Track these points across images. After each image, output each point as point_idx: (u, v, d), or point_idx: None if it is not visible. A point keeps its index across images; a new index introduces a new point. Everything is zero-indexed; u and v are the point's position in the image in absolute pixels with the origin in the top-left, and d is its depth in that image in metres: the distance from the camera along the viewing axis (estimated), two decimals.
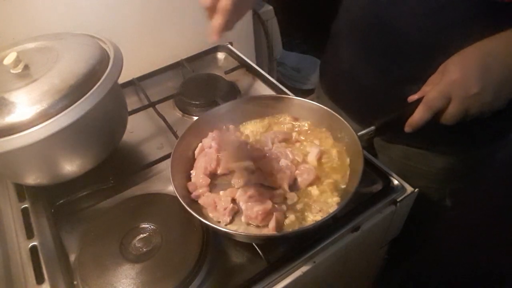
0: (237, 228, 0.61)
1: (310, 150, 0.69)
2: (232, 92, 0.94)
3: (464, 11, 0.57)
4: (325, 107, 0.71)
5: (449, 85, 0.55)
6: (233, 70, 1.02)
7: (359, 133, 0.64)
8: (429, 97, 0.57)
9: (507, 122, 0.73)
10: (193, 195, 0.64)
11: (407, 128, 0.61)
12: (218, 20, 0.52)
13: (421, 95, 0.59)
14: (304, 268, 0.60)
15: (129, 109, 0.84)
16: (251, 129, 0.76)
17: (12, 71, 0.63)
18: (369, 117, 0.66)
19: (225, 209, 0.61)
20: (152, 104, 0.91)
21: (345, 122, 0.67)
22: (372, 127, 0.65)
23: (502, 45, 0.54)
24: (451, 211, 0.88)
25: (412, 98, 0.61)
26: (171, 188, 0.62)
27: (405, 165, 0.74)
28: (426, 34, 0.62)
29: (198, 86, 0.95)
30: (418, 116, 0.58)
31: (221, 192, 0.65)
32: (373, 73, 0.72)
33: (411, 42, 0.64)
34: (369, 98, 0.75)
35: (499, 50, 0.53)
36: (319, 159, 0.68)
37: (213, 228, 0.59)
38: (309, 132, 0.74)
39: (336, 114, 0.69)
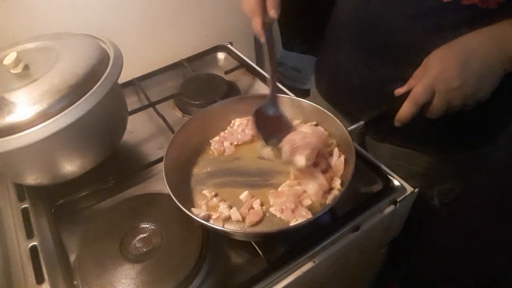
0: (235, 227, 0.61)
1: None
2: (232, 92, 0.94)
3: (451, 16, 0.59)
4: (316, 105, 0.72)
5: (432, 78, 0.56)
6: (233, 70, 1.02)
7: (349, 128, 0.66)
8: (414, 92, 0.58)
9: (496, 124, 0.74)
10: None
11: (397, 123, 0.62)
12: (256, 21, 0.58)
13: (407, 88, 0.60)
14: (304, 268, 0.60)
15: (129, 109, 0.84)
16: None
17: (12, 71, 0.63)
18: (360, 114, 0.67)
19: None
20: (152, 104, 0.91)
21: (335, 118, 0.68)
22: (361, 122, 0.66)
23: (485, 38, 0.55)
24: (441, 211, 0.89)
25: (399, 91, 0.62)
26: None
27: (393, 164, 0.75)
28: (414, 37, 0.63)
29: (198, 86, 0.95)
30: (405, 110, 0.59)
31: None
32: (364, 71, 0.73)
33: (400, 43, 0.65)
34: (360, 96, 0.77)
35: (479, 45, 0.55)
36: None
37: (212, 228, 0.59)
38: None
39: (327, 111, 0.70)
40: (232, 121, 0.77)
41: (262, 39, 0.60)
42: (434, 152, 0.77)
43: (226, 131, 0.76)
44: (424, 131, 0.68)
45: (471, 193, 0.89)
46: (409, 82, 0.61)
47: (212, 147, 0.73)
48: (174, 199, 0.58)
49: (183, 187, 0.67)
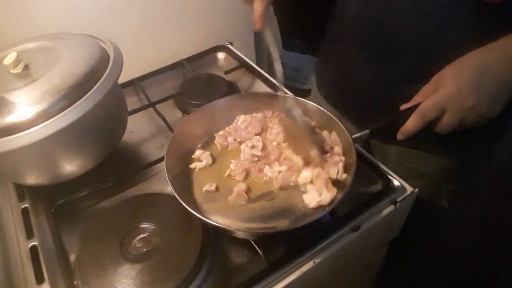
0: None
1: None
2: (232, 92, 0.94)
3: (457, 14, 0.58)
4: (322, 108, 0.71)
5: (445, 96, 0.56)
6: (233, 70, 1.02)
7: (354, 136, 0.65)
8: (423, 107, 0.57)
9: (502, 124, 0.73)
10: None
11: (399, 136, 0.62)
12: (259, 7, 0.55)
13: (412, 104, 0.60)
14: (304, 268, 0.60)
15: (129, 109, 0.84)
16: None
17: (12, 71, 0.63)
18: (363, 117, 0.67)
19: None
20: (152, 104, 0.91)
21: (341, 125, 0.67)
22: (367, 131, 0.65)
23: (496, 56, 0.55)
24: (448, 211, 0.88)
25: (404, 107, 0.62)
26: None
27: (400, 165, 0.75)
28: (419, 37, 0.62)
29: (198, 86, 0.95)
30: (411, 124, 0.59)
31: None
32: (367, 74, 0.73)
33: (405, 44, 0.64)
34: (363, 98, 0.76)
35: (493, 62, 0.54)
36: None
37: (212, 225, 0.59)
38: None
39: (332, 116, 0.69)
40: (237, 117, 0.77)
41: (261, 26, 0.58)
42: (441, 152, 0.76)
43: (230, 126, 0.76)
44: (431, 132, 0.67)
45: (475, 192, 0.89)
46: (415, 99, 0.61)
47: (216, 141, 0.74)
48: (175, 194, 0.58)
49: (184, 183, 0.67)
